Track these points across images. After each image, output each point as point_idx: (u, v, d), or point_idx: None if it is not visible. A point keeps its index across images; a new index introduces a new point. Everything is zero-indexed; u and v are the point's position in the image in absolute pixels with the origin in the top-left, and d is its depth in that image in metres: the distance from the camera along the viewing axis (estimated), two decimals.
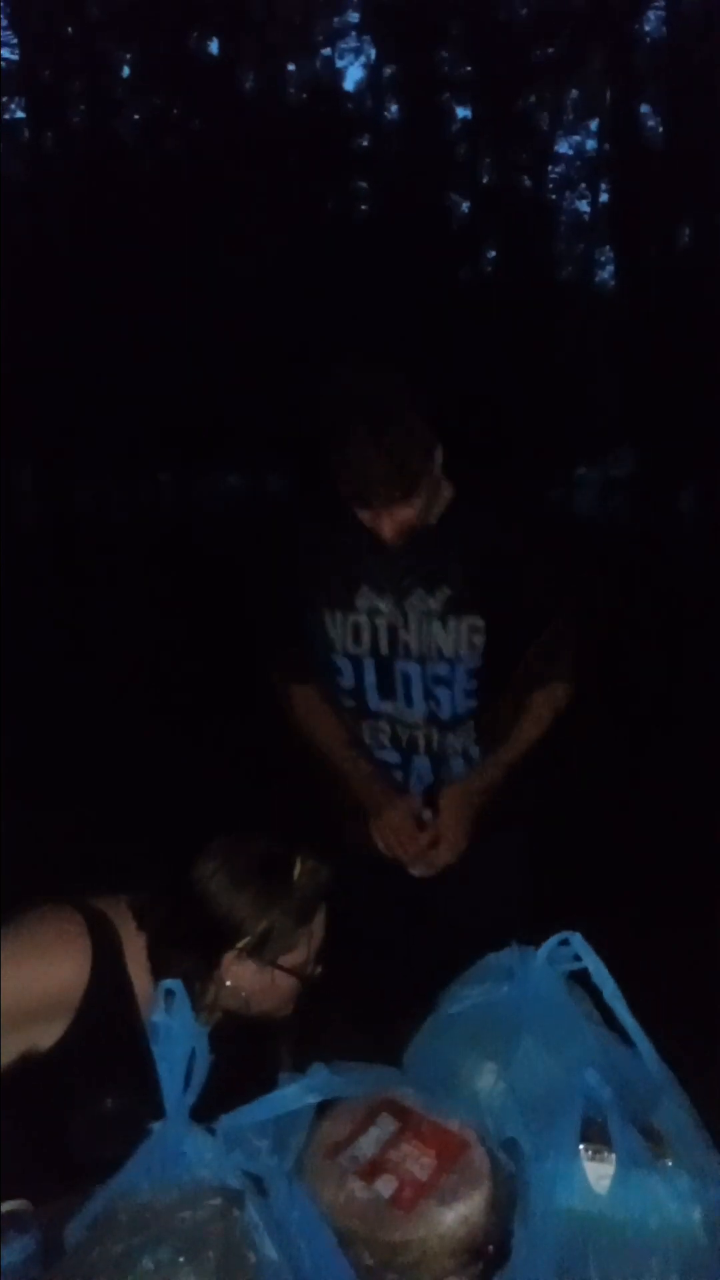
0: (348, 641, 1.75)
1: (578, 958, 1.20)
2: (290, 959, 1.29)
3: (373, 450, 1.53)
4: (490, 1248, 1.03)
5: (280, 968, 1.28)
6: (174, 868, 1.31)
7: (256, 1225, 1.00)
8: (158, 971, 1.25)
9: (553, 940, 1.21)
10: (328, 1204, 1.05)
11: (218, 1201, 0.99)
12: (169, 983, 1.06)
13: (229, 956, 1.26)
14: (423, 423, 1.58)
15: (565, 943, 1.21)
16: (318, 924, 1.32)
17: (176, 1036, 1.03)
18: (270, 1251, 1.00)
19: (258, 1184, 1.04)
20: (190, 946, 1.25)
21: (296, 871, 1.29)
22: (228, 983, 1.26)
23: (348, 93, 15.81)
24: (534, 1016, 1.19)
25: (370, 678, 1.76)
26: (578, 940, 1.19)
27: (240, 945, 1.26)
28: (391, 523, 1.62)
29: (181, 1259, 0.96)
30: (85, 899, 1.31)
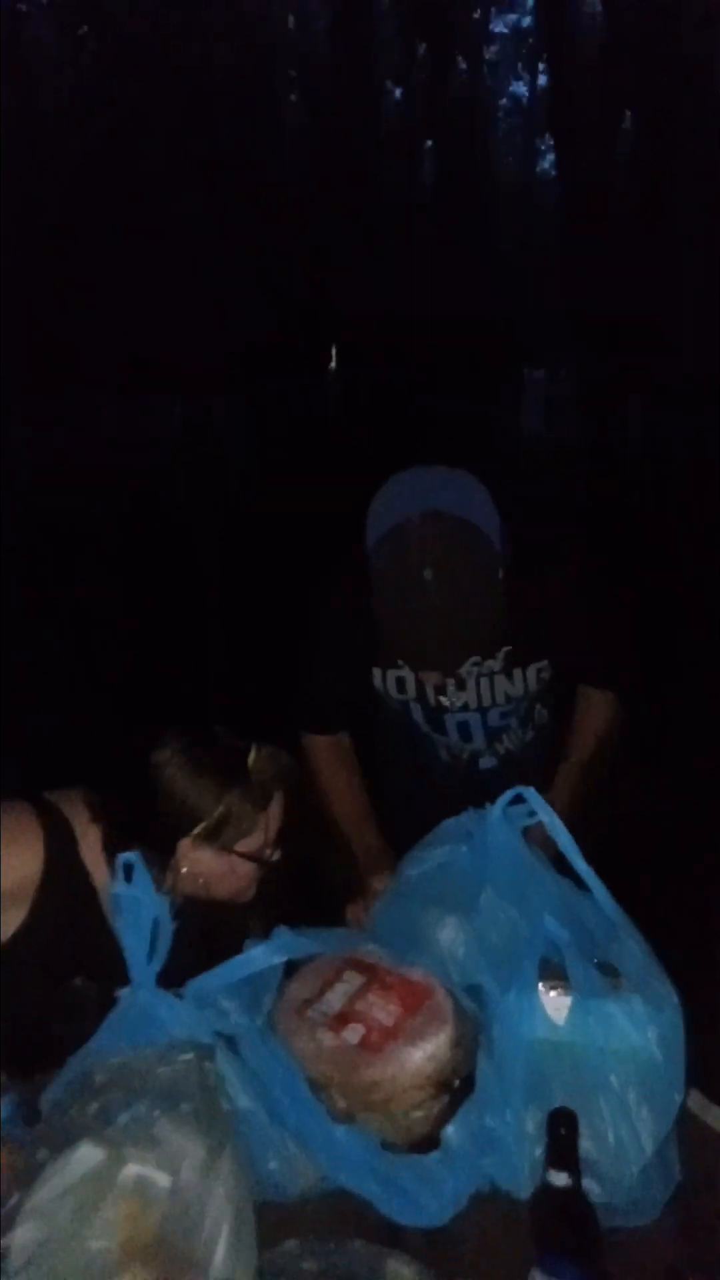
0: (390, 689, 1.65)
1: (532, 813, 1.22)
2: (248, 844, 1.29)
3: (429, 636, 1.34)
4: (456, 1081, 1.07)
5: (237, 853, 1.29)
6: (131, 757, 1.31)
7: (229, 1078, 1.03)
8: (115, 860, 1.26)
9: (506, 795, 1.23)
10: (299, 1054, 1.08)
11: (190, 1056, 1.01)
12: (126, 856, 1.07)
13: (185, 843, 1.26)
14: (493, 569, 1.34)
15: (519, 799, 1.23)
16: (275, 809, 1.32)
17: (138, 905, 1.05)
18: (245, 1100, 1.04)
19: (229, 1043, 1.07)
20: (147, 834, 1.26)
21: (252, 757, 1.29)
22: (184, 869, 1.27)
23: None
24: (494, 869, 1.22)
25: (418, 716, 1.68)
26: (532, 795, 1.21)
27: (197, 831, 1.26)
28: (439, 678, 1.52)
29: (158, 1112, 0.98)
30: (39, 793, 1.31)
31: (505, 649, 1.59)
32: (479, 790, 1.75)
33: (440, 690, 1.62)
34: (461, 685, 1.62)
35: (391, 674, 1.64)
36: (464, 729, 1.70)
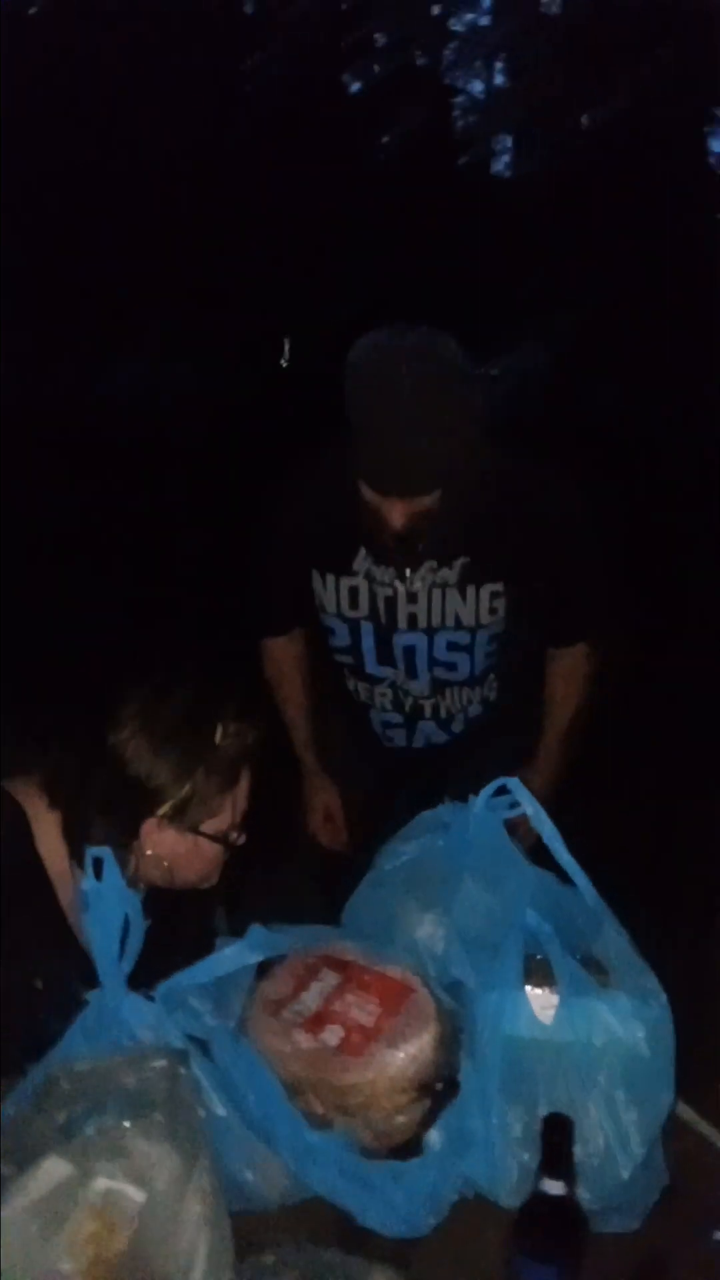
0: (343, 605, 1.61)
1: (514, 804, 1.19)
2: (213, 824, 1.23)
3: (399, 441, 1.36)
4: (439, 1084, 1.04)
5: (203, 834, 1.23)
6: (88, 733, 1.24)
7: (202, 1084, 0.99)
8: (75, 847, 1.20)
9: (490, 787, 1.19)
10: (274, 1057, 1.04)
11: (162, 1063, 0.96)
12: (96, 850, 1.01)
13: (149, 824, 1.20)
14: (467, 405, 1.40)
15: (503, 790, 1.20)
16: (242, 788, 1.26)
17: (108, 903, 0.99)
18: (218, 1108, 0.99)
19: (201, 1046, 1.02)
20: (108, 817, 1.19)
21: (219, 733, 1.23)
22: (148, 852, 1.21)
23: None
24: (474, 860, 1.18)
25: (368, 643, 1.64)
26: (515, 785, 1.18)
27: (161, 812, 1.20)
28: (404, 513, 1.45)
29: (127, 1122, 0.93)
30: None
31: (462, 559, 1.54)
32: (423, 763, 1.73)
33: (392, 596, 1.58)
34: (413, 599, 1.58)
35: (345, 582, 1.59)
36: (410, 656, 1.63)
